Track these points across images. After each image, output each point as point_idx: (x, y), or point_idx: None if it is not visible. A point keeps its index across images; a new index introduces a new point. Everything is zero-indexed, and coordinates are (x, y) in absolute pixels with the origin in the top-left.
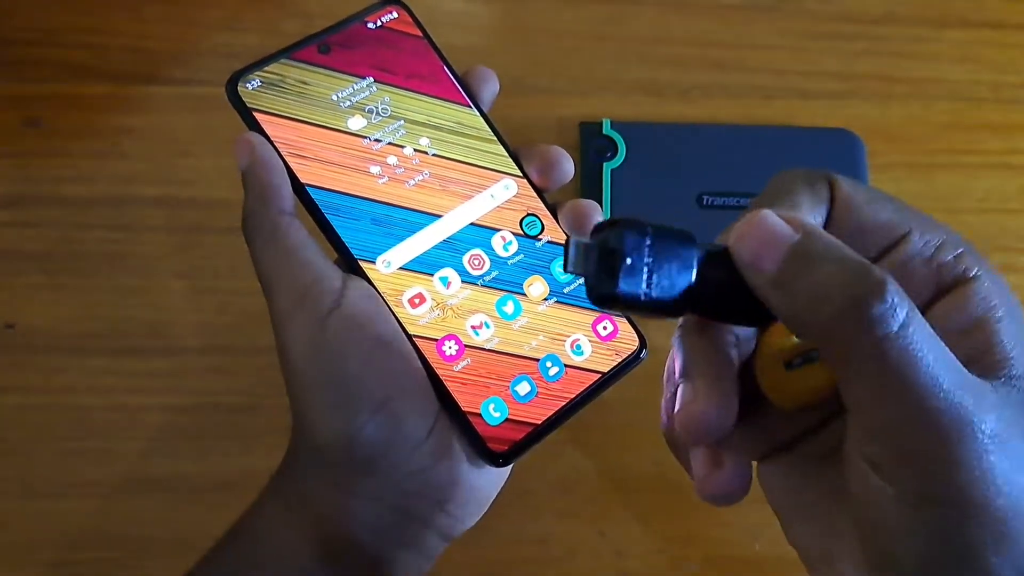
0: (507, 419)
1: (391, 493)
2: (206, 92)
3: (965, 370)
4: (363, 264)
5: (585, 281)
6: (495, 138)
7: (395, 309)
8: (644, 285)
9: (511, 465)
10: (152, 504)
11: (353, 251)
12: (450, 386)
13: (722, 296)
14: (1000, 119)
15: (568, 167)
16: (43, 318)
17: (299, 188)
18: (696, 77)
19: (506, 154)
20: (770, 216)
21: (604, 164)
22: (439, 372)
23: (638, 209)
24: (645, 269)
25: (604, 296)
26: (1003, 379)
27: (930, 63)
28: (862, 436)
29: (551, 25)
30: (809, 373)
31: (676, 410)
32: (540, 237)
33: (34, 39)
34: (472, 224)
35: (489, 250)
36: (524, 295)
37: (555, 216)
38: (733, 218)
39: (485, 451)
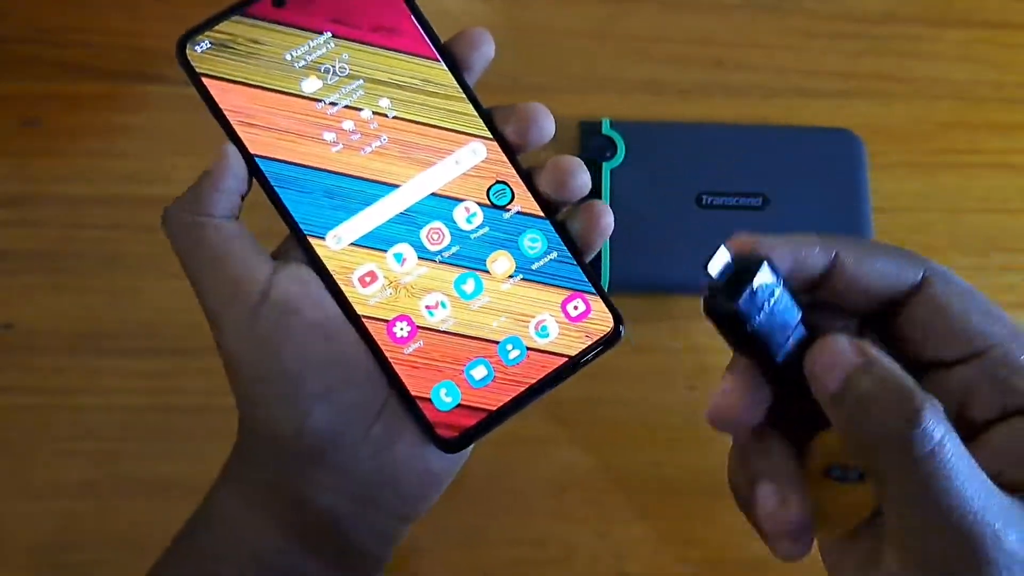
0: (459, 405)
1: (344, 481)
2: None
3: (997, 490)
4: (312, 240)
5: (708, 288)
6: (464, 96)
7: (344, 288)
8: (758, 315)
9: (466, 451)
10: (150, 505)
11: (302, 227)
12: (399, 369)
13: (798, 378)
14: (1001, 119)
15: (548, 125)
16: (41, 318)
17: (249, 160)
18: (696, 76)
19: (476, 114)
20: (840, 340)
21: (603, 163)
22: (388, 355)
23: (638, 209)
24: (765, 304)
25: (720, 305)
26: None
27: (931, 62)
28: (893, 540)
29: (550, 24)
30: (852, 489)
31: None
32: (509, 208)
33: (31, 38)
34: (433, 195)
35: (450, 223)
36: (486, 272)
37: (528, 183)
38: (733, 218)
39: (434, 437)
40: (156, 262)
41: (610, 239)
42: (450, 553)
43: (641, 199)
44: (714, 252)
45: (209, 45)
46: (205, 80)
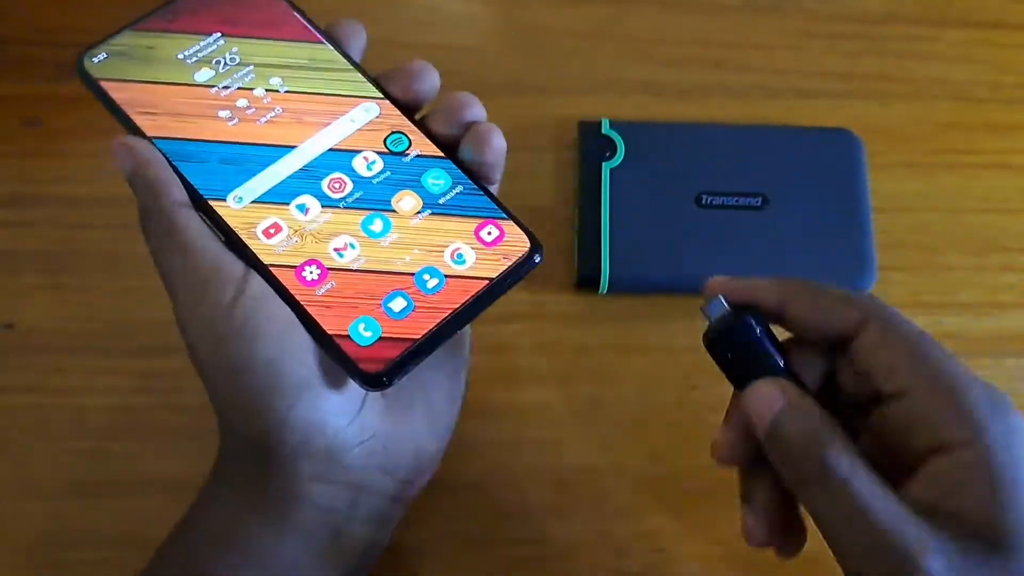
0: (381, 338)
1: (334, 469)
2: None
3: (911, 516)
4: (213, 203)
5: (710, 329)
6: (352, 67)
7: (248, 241)
8: (750, 351)
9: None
10: (150, 505)
11: (202, 192)
12: (312, 310)
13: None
14: (1001, 119)
15: (432, 77)
16: (42, 318)
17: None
18: (695, 77)
19: (366, 80)
20: (766, 385)
21: (603, 164)
22: (299, 298)
23: (637, 209)
24: (757, 342)
25: (721, 343)
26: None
27: (930, 63)
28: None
29: (550, 24)
30: None
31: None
32: (407, 153)
33: (33, 39)
34: (331, 150)
35: (351, 172)
36: (393, 211)
37: (424, 130)
38: (732, 218)
39: (359, 374)
40: None
41: (610, 239)
42: (451, 553)
43: (641, 199)
44: (712, 299)
45: (105, 56)
46: (101, 83)
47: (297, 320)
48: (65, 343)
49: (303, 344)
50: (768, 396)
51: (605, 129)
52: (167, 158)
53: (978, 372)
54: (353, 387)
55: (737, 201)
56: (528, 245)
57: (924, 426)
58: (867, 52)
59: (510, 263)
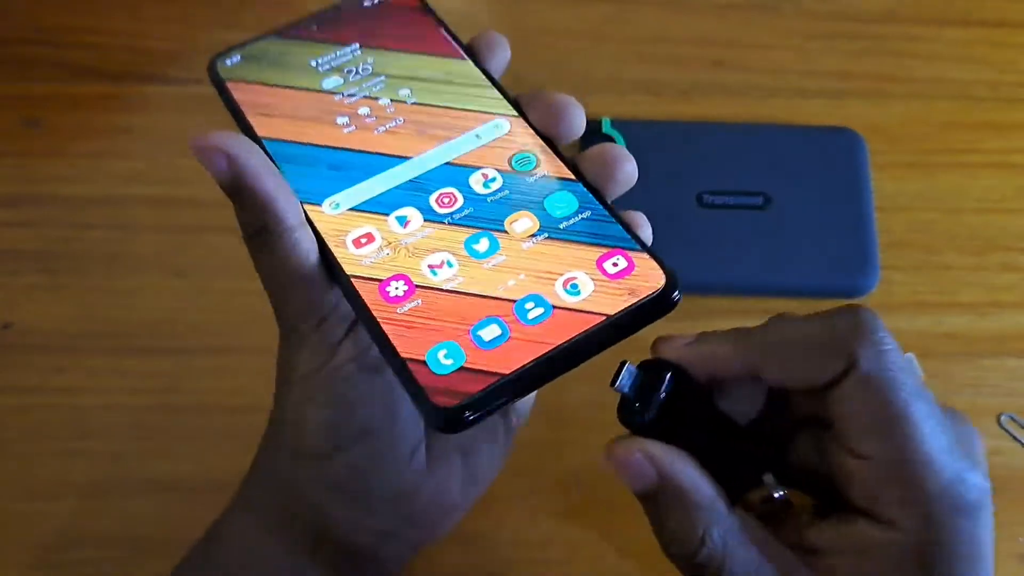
0: (462, 367)
1: (364, 516)
2: (205, 91)
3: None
4: (307, 207)
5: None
6: (489, 83)
7: (334, 249)
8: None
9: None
10: (149, 505)
11: (298, 195)
12: (388, 329)
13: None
14: (1000, 118)
15: (577, 118)
16: (41, 317)
17: (255, 141)
18: (696, 76)
19: (501, 96)
20: (635, 455)
21: None
22: (376, 314)
23: (638, 208)
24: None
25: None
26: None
27: (930, 62)
28: None
29: (551, 24)
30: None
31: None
32: (533, 173)
33: (33, 39)
34: (447, 164)
35: (464, 187)
36: (504, 232)
37: (557, 151)
38: (733, 217)
39: (430, 407)
40: (156, 262)
41: None
42: (453, 554)
43: (641, 198)
44: (619, 370)
45: (239, 59)
46: (228, 84)
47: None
48: (63, 343)
49: (389, 394)
50: (637, 463)
51: (606, 128)
52: (270, 156)
53: (979, 372)
54: (403, 442)
55: (738, 200)
56: (663, 281)
57: (873, 494)
58: (867, 51)
59: (636, 299)
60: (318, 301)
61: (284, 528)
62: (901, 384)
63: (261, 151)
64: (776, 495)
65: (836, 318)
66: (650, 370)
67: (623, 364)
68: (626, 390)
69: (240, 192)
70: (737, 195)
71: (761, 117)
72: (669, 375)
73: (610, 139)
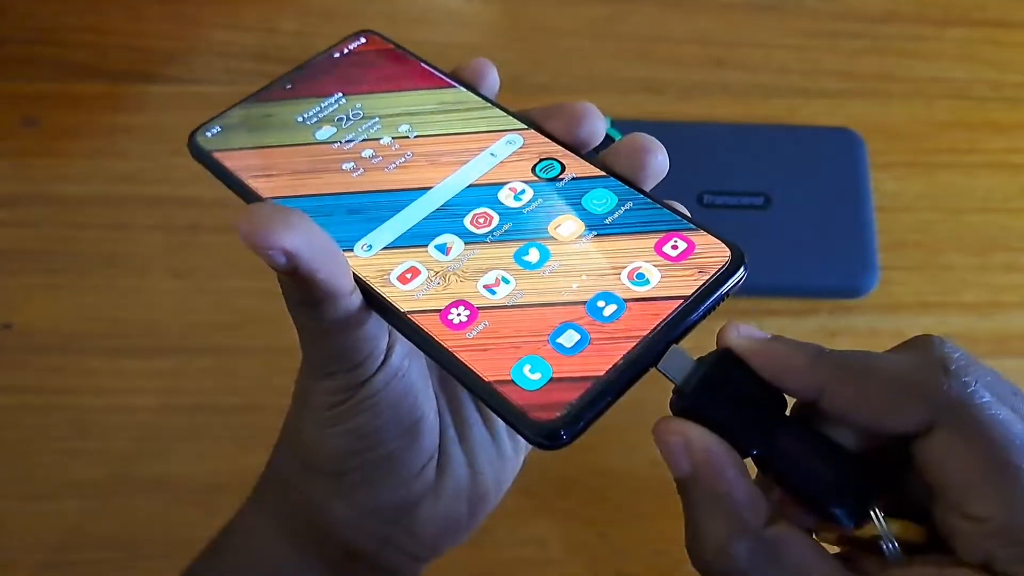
0: (552, 379)
1: (369, 523)
2: (204, 91)
3: None
4: None
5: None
6: (487, 103)
7: (381, 290)
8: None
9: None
10: (149, 505)
11: None
12: (464, 357)
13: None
14: (1001, 118)
15: (598, 125)
16: (40, 317)
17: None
18: (696, 76)
19: (505, 113)
20: (675, 442)
21: None
22: (447, 345)
23: None
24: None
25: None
26: None
27: (931, 62)
28: None
29: (551, 24)
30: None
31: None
32: (561, 177)
33: (31, 38)
34: (471, 186)
35: (496, 205)
36: (551, 238)
37: (579, 153)
38: (734, 217)
39: (531, 426)
40: (156, 262)
41: None
42: (452, 553)
43: None
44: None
45: (219, 129)
46: (215, 155)
47: (419, 416)
48: (65, 343)
49: (412, 415)
50: (680, 449)
51: (607, 128)
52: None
53: None
54: (416, 458)
55: (739, 200)
56: (728, 254)
57: (991, 554)
58: (868, 51)
59: (708, 276)
60: (357, 348)
61: (294, 529)
62: (992, 415)
63: (310, 221)
64: (882, 531)
65: (912, 353)
66: (709, 361)
67: (668, 345)
68: (671, 372)
69: (295, 277)
70: (737, 195)
71: (762, 117)
72: (718, 358)
73: (611, 139)
